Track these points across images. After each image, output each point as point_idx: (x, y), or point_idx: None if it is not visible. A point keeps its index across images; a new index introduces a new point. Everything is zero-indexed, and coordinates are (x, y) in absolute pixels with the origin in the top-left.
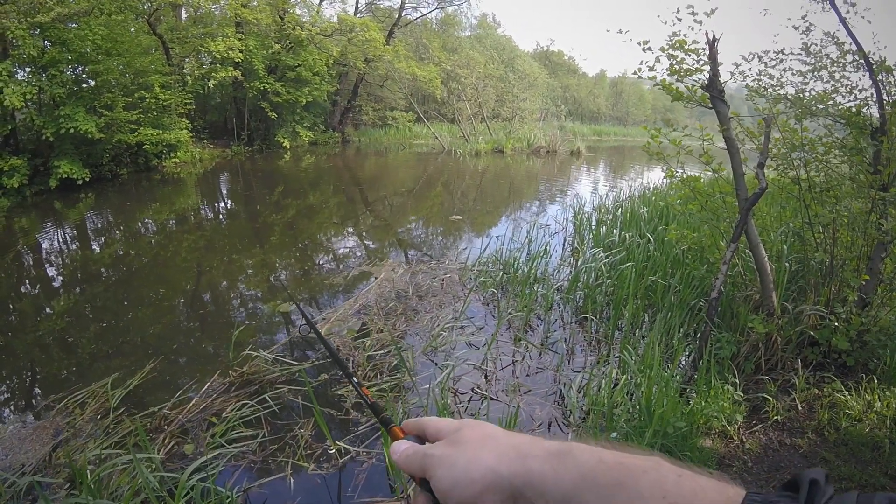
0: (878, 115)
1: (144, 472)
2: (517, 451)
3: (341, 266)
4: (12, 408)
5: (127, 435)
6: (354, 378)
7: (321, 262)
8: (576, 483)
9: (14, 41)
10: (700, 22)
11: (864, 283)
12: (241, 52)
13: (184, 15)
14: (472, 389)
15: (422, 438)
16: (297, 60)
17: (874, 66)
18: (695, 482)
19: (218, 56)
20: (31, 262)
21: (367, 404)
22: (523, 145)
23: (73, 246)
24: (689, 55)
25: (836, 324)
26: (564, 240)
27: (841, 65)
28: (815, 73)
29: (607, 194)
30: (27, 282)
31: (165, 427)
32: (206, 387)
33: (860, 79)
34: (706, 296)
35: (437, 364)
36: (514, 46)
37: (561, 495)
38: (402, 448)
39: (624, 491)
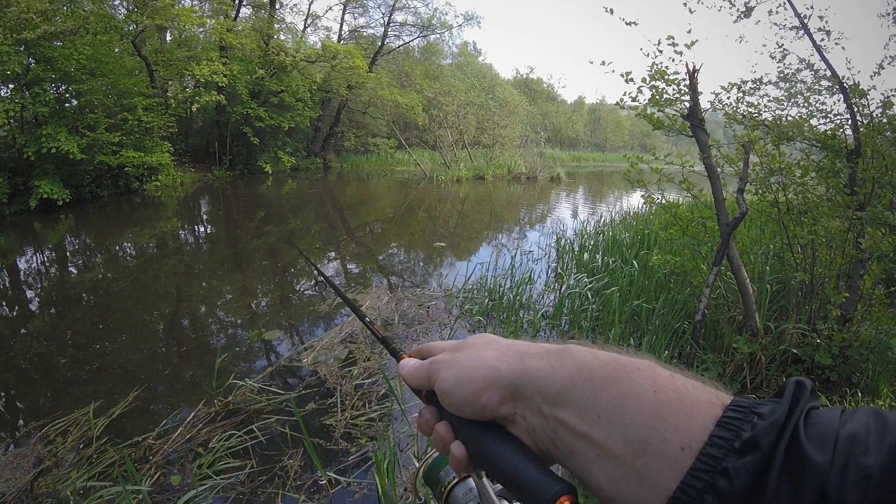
0: (853, 138)
1: None
2: (517, 352)
3: (325, 293)
4: None
5: (111, 465)
6: (368, 319)
7: (303, 289)
8: (571, 377)
9: None
10: (680, 53)
11: (844, 299)
12: (225, 76)
13: (169, 37)
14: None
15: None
16: (280, 86)
17: (848, 90)
18: (686, 381)
19: (202, 80)
20: (9, 284)
21: (378, 338)
22: (504, 172)
23: (53, 268)
24: (671, 85)
25: (819, 341)
26: (548, 266)
27: (816, 90)
28: (792, 98)
29: (588, 219)
30: (4, 303)
31: (150, 457)
32: (191, 416)
33: (835, 103)
34: (691, 318)
35: None
36: (494, 74)
37: (557, 390)
38: (410, 364)
39: (617, 384)
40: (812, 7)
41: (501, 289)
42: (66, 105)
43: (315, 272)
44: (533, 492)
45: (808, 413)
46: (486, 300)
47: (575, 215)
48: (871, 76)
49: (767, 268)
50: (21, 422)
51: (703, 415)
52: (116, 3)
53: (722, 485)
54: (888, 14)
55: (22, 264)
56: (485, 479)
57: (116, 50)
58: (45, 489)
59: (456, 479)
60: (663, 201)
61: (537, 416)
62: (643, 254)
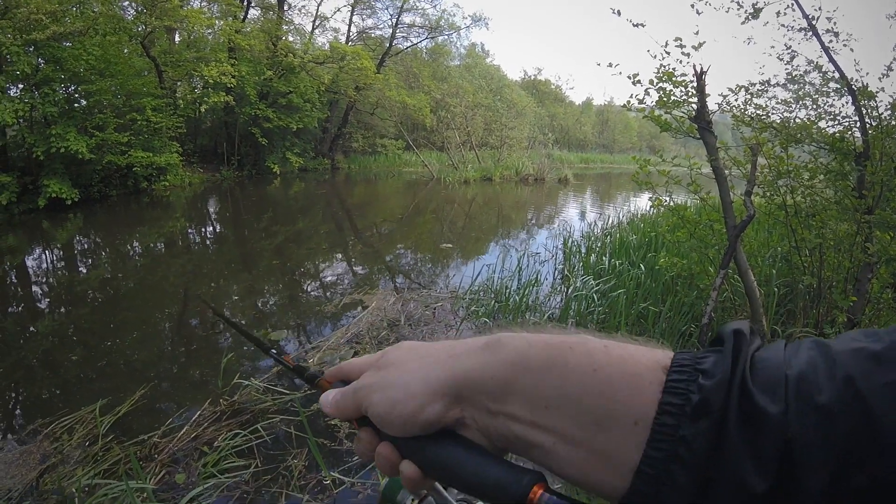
0: (861, 140)
1: (137, 503)
2: (447, 353)
3: (330, 294)
4: None
5: (116, 462)
6: (273, 350)
7: (310, 290)
8: (507, 370)
9: (8, 57)
10: (688, 55)
11: (851, 304)
12: (233, 77)
13: (177, 38)
14: None
15: (347, 382)
16: (288, 87)
17: (857, 92)
18: (622, 349)
19: (210, 81)
20: (17, 282)
21: (289, 369)
22: (512, 173)
23: (61, 267)
24: (678, 87)
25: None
26: (555, 268)
27: (824, 92)
28: (800, 100)
29: (595, 222)
30: (12, 301)
31: (156, 455)
32: (196, 415)
33: (843, 105)
34: (697, 321)
35: None
36: (502, 75)
37: (498, 385)
38: (330, 396)
39: (555, 369)
40: (820, 8)
41: (508, 290)
42: (76, 105)
43: (211, 310)
44: (501, 489)
45: (752, 357)
46: (493, 302)
47: (582, 217)
48: (879, 78)
49: (774, 271)
50: (28, 419)
51: (647, 383)
52: (125, 4)
53: (683, 452)
54: None
55: (30, 263)
56: (442, 489)
57: (125, 51)
58: (51, 486)
59: (415, 501)
60: (671, 203)
61: (486, 415)
62: (650, 256)
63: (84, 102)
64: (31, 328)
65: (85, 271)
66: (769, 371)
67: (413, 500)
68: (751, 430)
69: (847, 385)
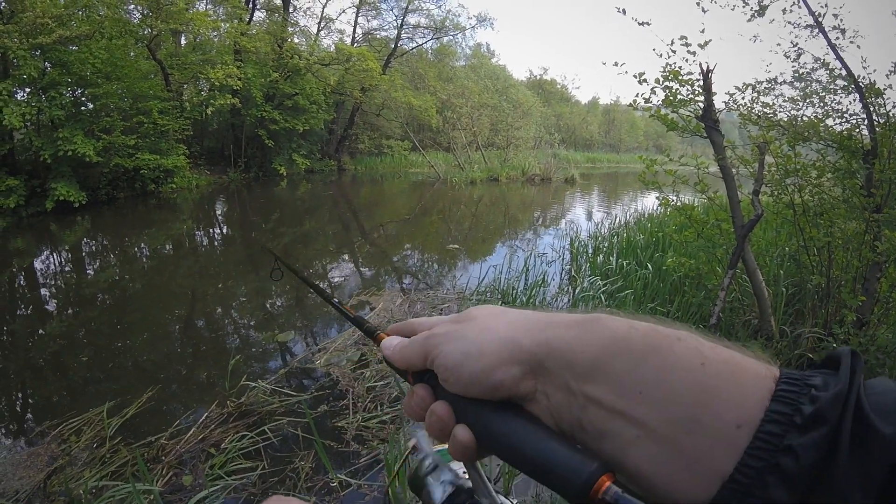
0: (869, 138)
1: None
2: (538, 321)
3: (337, 295)
4: (5, 432)
5: (124, 465)
6: (336, 300)
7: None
8: (605, 348)
9: (15, 61)
10: (694, 53)
11: (860, 303)
12: (239, 79)
13: (183, 41)
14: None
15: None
16: (294, 89)
17: (864, 90)
18: (730, 352)
19: (216, 83)
20: (26, 284)
21: (349, 319)
22: (518, 173)
23: (68, 269)
24: (684, 86)
25: (835, 345)
26: (562, 268)
27: (832, 89)
28: (807, 98)
29: (602, 221)
30: (21, 303)
31: (163, 457)
32: (203, 417)
33: (851, 103)
34: (705, 322)
35: None
36: (507, 75)
37: (588, 363)
38: (394, 342)
39: (659, 355)
40: (826, 5)
41: (515, 291)
42: (82, 108)
43: (274, 257)
44: (565, 474)
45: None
46: (499, 303)
47: (589, 217)
48: (886, 75)
49: (782, 271)
50: (36, 420)
51: (756, 388)
52: (131, 7)
53: (787, 463)
54: None
55: (39, 265)
56: (482, 470)
57: (132, 54)
58: (59, 487)
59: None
60: (678, 203)
61: (563, 394)
62: (658, 256)
63: (91, 105)
64: (40, 330)
65: (93, 273)
66: (881, 396)
67: (444, 482)
68: (862, 450)
69: None
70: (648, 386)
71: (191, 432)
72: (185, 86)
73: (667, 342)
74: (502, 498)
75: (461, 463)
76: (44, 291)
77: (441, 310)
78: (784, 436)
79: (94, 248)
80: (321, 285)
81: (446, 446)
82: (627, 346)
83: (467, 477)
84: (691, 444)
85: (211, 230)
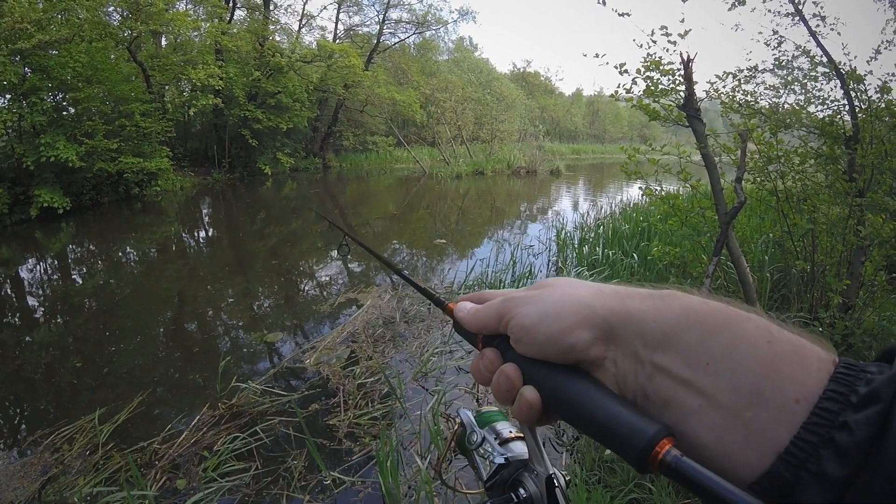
0: (850, 124)
1: None
2: (613, 291)
3: (326, 293)
4: None
5: (117, 471)
6: (405, 271)
7: (306, 290)
8: (678, 319)
9: None
10: (674, 43)
11: (845, 287)
12: (221, 79)
13: (164, 42)
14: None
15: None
16: (277, 87)
17: (845, 76)
18: (794, 335)
19: (198, 83)
20: (12, 293)
21: (419, 289)
22: (503, 166)
23: (55, 276)
24: (665, 76)
25: (821, 329)
26: (549, 259)
27: (813, 76)
28: (788, 86)
29: (588, 212)
30: (8, 312)
31: (156, 462)
32: (195, 420)
33: (832, 89)
34: None
35: (427, 390)
36: (491, 69)
37: (661, 333)
38: (468, 306)
39: (730, 330)
40: None
41: (502, 284)
42: (64, 113)
43: (338, 230)
44: (628, 435)
45: None
46: None
47: (575, 208)
48: (867, 61)
49: (767, 257)
50: (28, 430)
51: (816, 368)
52: (110, 9)
53: (841, 438)
54: None
55: (25, 273)
56: (536, 436)
57: (112, 57)
58: (53, 497)
59: (513, 434)
60: (662, 193)
61: (632, 361)
62: (643, 245)
63: (72, 110)
64: (28, 339)
65: (80, 280)
66: None
67: (490, 455)
68: None
69: None
70: (716, 358)
71: (183, 436)
72: (167, 87)
73: (738, 319)
74: (555, 469)
75: (507, 435)
76: (31, 299)
77: (429, 305)
78: (840, 413)
79: (80, 254)
80: (310, 284)
81: (493, 408)
82: (699, 319)
83: (509, 455)
84: (752, 416)
85: (197, 232)
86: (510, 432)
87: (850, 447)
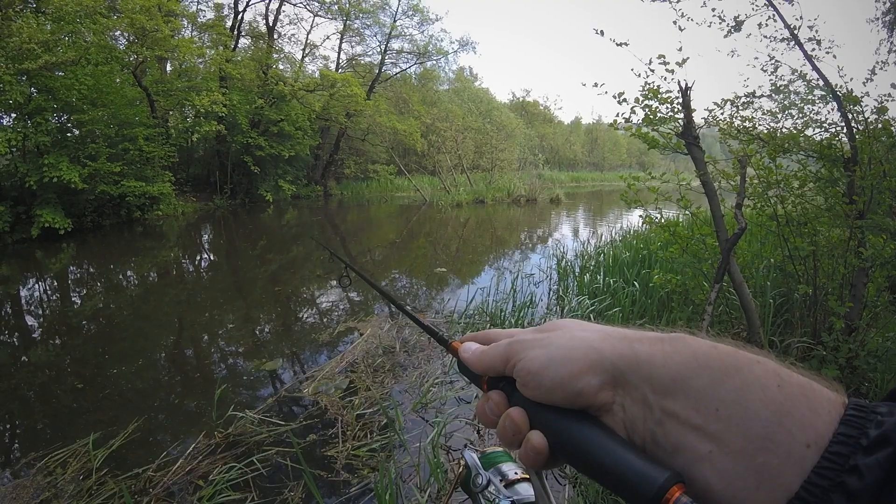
0: (849, 146)
1: None
2: (621, 335)
3: (326, 321)
4: None
5: (111, 497)
6: (407, 307)
7: (305, 318)
8: (688, 364)
9: (0, 86)
10: (672, 71)
11: (848, 309)
12: (224, 106)
13: (169, 68)
14: (465, 445)
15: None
16: (279, 115)
17: (842, 98)
18: (804, 377)
19: (202, 110)
20: (11, 312)
21: (422, 327)
22: (504, 195)
23: (54, 296)
24: (664, 104)
25: (825, 353)
26: (549, 288)
27: (810, 100)
28: (786, 110)
29: (588, 240)
30: (6, 331)
31: (150, 489)
32: (191, 448)
33: (829, 112)
34: None
35: (427, 421)
36: (491, 98)
37: (669, 378)
38: (473, 346)
39: (739, 375)
40: (801, 17)
41: (503, 313)
42: (68, 135)
43: (343, 265)
44: (637, 482)
45: None
46: (488, 325)
47: (576, 236)
48: (863, 82)
49: (769, 282)
50: (21, 452)
51: (826, 411)
52: (117, 34)
53: (852, 482)
54: (877, 19)
55: (24, 293)
56: (542, 478)
57: (117, 80)
58: None
59: (518, 476)
60: (662, 220)
61: (641, 407)
62: (644, 273)
63: (77, 132)
64: (25, 359)
65: (79, 301)
66: None
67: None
68: None
69: None
70: (726, 403)
71: (178, 464)
72: (171, 112)
73: (747, 363)
74: None
75: (512, 476)
76: (29, 319)
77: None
78: (850, 456)
79: (79, 275)
80: (310, 311)
81: (498, 449)
82: (708, 364)
83: (515, 498)
84: (763, 462)
85: (197, 257)
86: (516, 474)
87: (860, 491)
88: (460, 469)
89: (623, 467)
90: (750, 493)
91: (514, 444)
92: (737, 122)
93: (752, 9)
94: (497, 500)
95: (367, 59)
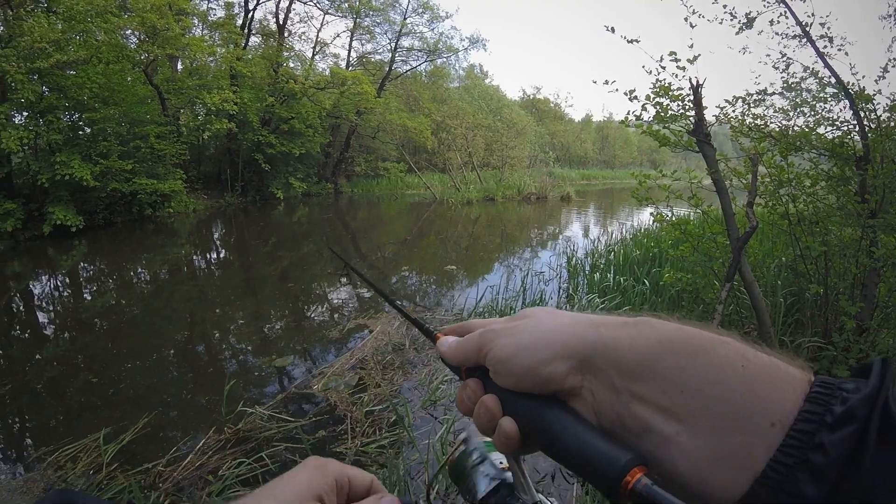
0: (861, 144)
1: None
2: (588, 321)
3: (336, 318)
4: (1, 458)
5: (120, 491)
6: (397, 302)
7: (315, 315)
8: (652, 347)
9: (13, 85)
10: (683, 68)
11: (859, 309)
12: (235, 104)
13: (180, 66)
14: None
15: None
16: (290, 113)
17: (854, 96)
18: (769, 357)
19: (213, 108)
20: (23, 308)
21: (409, 319)
22: (514, 192)
23: (66, 293)
24: (675, 101)
25: (835, 353)
26: (559, 286)
27: (822, 98)
28: (798, 108)
29: (599, 238)
30: (18, 328)
31: (160, 484)
32: (201, 443)
33: (841, 110)
34: None
35: (436, 418)
36: (501, 95)
37: (635, 361)
38: (450, 340)
39: (704, 356)
40: (813, 14)
41: (512, 311)
42: (80, 133)
43: (339, 259)
44: (599, 464)
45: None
46: None
47: (586, 234)
48: (875, 80)
49: (780, 281)
50: (33, 446)
51: (792, 390)
52: (128, 32)
53: (816, 459)
54: (890, 16)
55: (36, 289)
56: (523, 468)
57: (129, 79)
58: None
59: (503, 466)
60: (673, 218)
61: (608, 391)
62: (655, 271)
63: (88, 130)
64: (37, 355)
65: (90, 298)
66: None
67: (488, 476)
68: (888, 445)
69: None
70: (692, 384)
71: (188, 459)
72: (182, 110)
73: (711, 344)
74: (541, 496)
75: (504, 458)
76: (41, 315)
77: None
78: (815, 433)
79: (91, 272)
80: (320, 308)
81: (487, 438)
82: (673, 347)
83: (510, 474)
84: (728, 441)
85: (208, 254)
86: (501, 463)
87: (825, 468)
88: (458, 443)
89: (588, 451)
90: (716, 473)
91: (489, 429)
92: (748, 120)
93: (764, 5)
94: (491, 475)
95: (378, 57)
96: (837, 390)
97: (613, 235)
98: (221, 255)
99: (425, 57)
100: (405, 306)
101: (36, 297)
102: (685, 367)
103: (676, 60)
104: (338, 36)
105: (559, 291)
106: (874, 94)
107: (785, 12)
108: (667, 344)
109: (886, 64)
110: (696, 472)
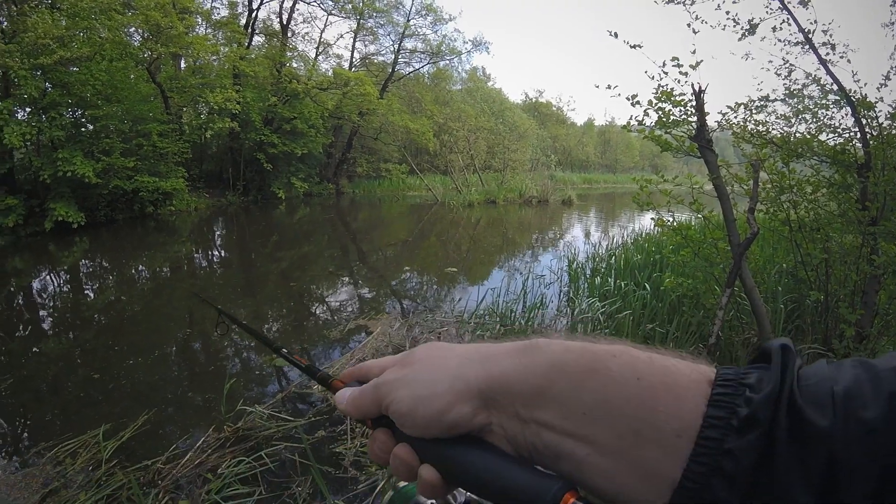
0: (862, 151)
1: None
2: (479, 355)
3: (336, 318)
4: (0, 452)
5: (119, 488)
6: (284, 349)
7: (316, 314)
8: (545, 374)
9: (16, 81)
10: (686, 74)
11: (859, 317)
12: (238, 103)
13: (183, 65)
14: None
15: (363, 384)
16: (293, 113)
17: (856, 104)
18: (666, 361)
19: (215, 107)
20: (23, 304)
21: (301, 368)
22: (515, 195)
23: (66, 289)
24: (677, 107)
25: (835, 360)
26: (560, 290)
27: (824, 104)
28: (800, 114)
29: (600, 242)
30: (18, 323)
31: (159, 482)
32: (200, 441)
33: (843, 117)
34: (704, 341)
35: None
36: (503, 98)
37: (531, 391)
38: (347, 393)
39: (596, 376)
40: (815, 21)
41: (513, 314)
42: (82, 130)
43: (217, 311)
44: (531, 496)
45: (797, 373)
46: (498, 326)
47: (587, 238)
48: (877, 87)
49: (780, 287)
50: (31, 441)
51: (692, 396)
52: (132, 30)
53: (728, 465)
54: (892, 23)
55: (36, 285)
56: (457, 497)
57: (132, 76)
58: None
59: None
60: (674, 223)
61: (516, 422)
62: (655, 276)
63: (91, 127)
64: (37, 350)
65: (91, 294)
66: (815, 386)
67: None
68: (799, 445)
69: (892, 402)
70: (590, 405)
71: (187, 457)
72: (185, 109)
73: (601, 362)
74: None
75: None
76: (41, 312)
77: (439, 334)
78: (723, 440)
79: (92, 269)
80: (321, 308)
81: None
82: (564, 369)
83: None
84: (638, 456)
85: (210, 253)
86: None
87: (737, 474)
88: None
89: (514, 484)
90: (634, 488)
91: (411, 479)
92: (750, 126)
93: (767, 12)
94: None
95: (381, 59)
96: (740, 387)
97: (615, 240)
98: (222, 254)
99: (428, 59)
100: (298, 354)
101: (36, 293)
102: (581, 389)
103: (679, 66)
104: (341, 37)
105: (560, 295)
106: (876, 102)
107: (787, 19)
108: (558, 367)
109: (889, 71)
110: (616, 489)
